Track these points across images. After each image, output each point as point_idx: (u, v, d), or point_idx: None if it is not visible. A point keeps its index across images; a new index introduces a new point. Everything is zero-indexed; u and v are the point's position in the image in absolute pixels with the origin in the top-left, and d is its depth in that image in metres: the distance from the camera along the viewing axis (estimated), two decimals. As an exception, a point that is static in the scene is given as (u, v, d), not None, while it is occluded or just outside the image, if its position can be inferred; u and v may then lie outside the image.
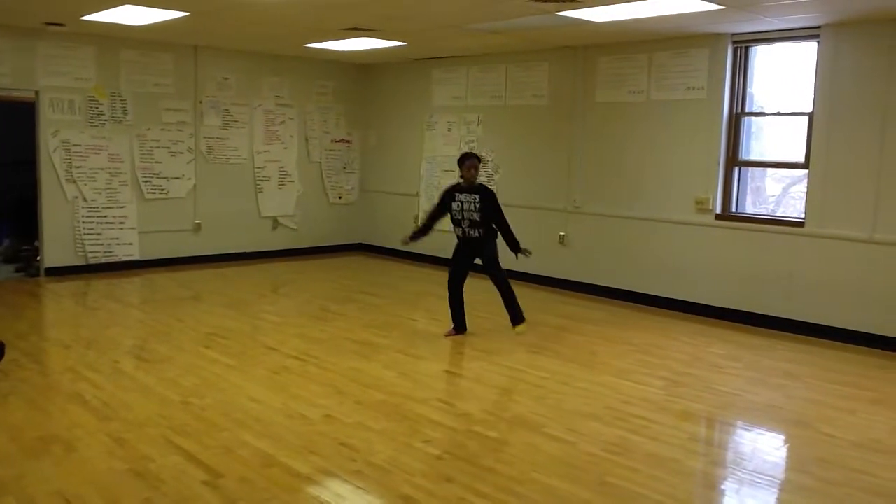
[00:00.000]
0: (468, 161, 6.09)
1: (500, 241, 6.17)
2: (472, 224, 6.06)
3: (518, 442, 4.11)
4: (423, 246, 9.95)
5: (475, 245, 6.13)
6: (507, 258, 6.20)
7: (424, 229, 6.37)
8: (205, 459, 3.75)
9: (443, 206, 6.23)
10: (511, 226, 6.12)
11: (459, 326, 6.31)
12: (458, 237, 6.23)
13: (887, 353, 6.06)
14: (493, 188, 8.89)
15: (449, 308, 6.31)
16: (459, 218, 6.10)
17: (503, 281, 6.12)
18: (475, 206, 6.01)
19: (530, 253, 6.11)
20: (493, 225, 6.10)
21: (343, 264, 9.96)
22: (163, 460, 3.73)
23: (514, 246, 6.09)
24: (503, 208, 6.14)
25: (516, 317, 6.19)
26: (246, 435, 4.08)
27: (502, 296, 6.16)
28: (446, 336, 6.25)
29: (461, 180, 6.11)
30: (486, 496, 3.42)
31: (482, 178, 9.10)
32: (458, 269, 6.24)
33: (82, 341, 5.96)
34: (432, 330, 6.48)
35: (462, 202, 6.07)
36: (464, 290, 6.26)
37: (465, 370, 5.44)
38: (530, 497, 3.44)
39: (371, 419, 4.37)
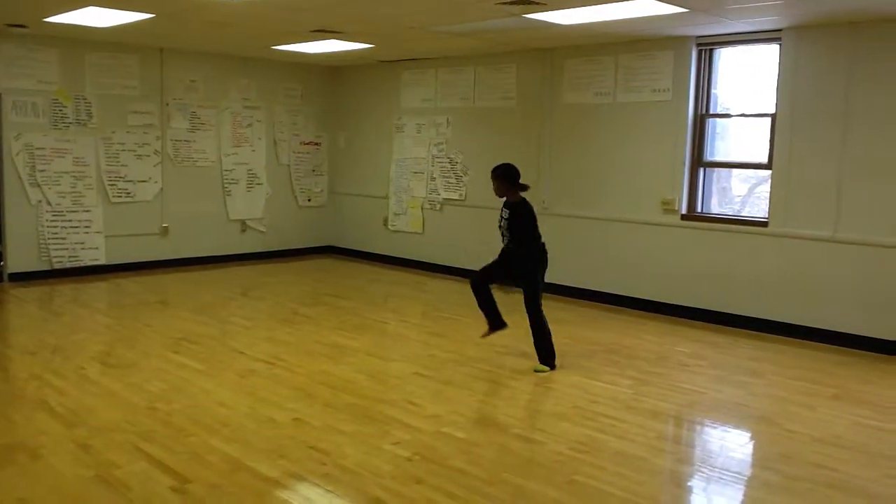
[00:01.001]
0: (492, 176, 5.62)
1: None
2: (504, 238, 5.63)
3: (487, 443, 4.14)
4: (390, 248, 10.03)
5: (513, 258, 5.59)
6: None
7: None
8: (172, 465, 3.72)
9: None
10: (531, 243, 5.52)
11: (493, 324, 5.69)
12: None
13: (847, 349, 6.18)
14: (463, 189, 9.05)
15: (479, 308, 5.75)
16: (500, 231, 5.70)
17: (535, 314, 5.54)
18: (505, 222, 5.58)
19: (512, 291, 5.72)
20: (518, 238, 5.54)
21: (312, 267, 9.93)
22: (130, 467, 3.70)
23: (519, 264, 5.54)
24: (534, 222, 5.55)
25: (542, 357, 5.59)
26: (214, 440, 4.06)
27: (532, 330, 5.60)
28: (482, 337, 5.82)
29: None
30: (455, 497, 3.44)
31: (451, 181, 9.21)
32: (487, 266, 5.70)
33: (47, 347, 5.88)
34: (402, 332, 6.49)
35: (501, 216, 5.66)
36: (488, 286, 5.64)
37: (434, 372, 5.46)
38: (500, 497, 3.46)
39: (340, 422, 4.37)
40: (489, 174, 5.63)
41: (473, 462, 3.86)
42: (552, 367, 5.54)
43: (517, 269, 5.58)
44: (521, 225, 5.52)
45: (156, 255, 9.23)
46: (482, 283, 5.63)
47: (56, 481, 3.54)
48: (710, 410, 4.85)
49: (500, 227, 5.66)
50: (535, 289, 5.53)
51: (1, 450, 3.89)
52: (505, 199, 5.61)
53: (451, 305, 7.57)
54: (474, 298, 5.66)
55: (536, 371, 5.50)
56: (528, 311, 5.53)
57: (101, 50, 8.55)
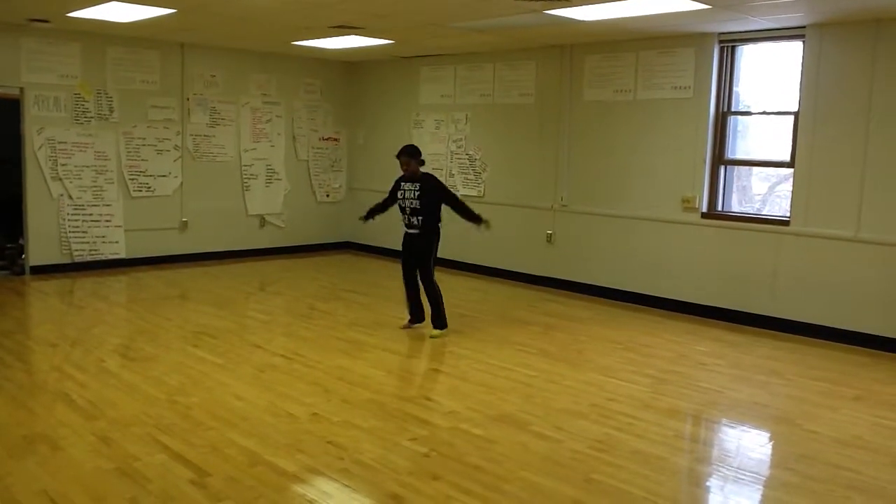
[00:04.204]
0: (400, 157, 6.22)
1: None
2: (413, 211, 6.18)
3: (505, 440, 4.13)
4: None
5: (414, 235, 6.25)
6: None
7: (376, 209, 6.63)
8: (191, 458, 3.74)
9: (391, 193, 6.42)
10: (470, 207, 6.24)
11: (414, 318, 6.47)
12: (404, 227, 6.35)
13: (869, 350, 6.12)
14: (481, 186, 9.03)
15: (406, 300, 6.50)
16: (403, 206, 6.26)
17: (428, 282, 6.21)
18: (415, 194, 6.13)
19: (489, 226, 6.25)
20: (451, 207, 6.17)
21: (330, 262, 9.95)
22: (149, 459, 3.72)
23: (475, 218, 6.19)
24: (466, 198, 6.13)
25: (435, 321, 6.25)
26: (233, 433, 4.08)
27: (426, 297, 6.26)
28: (402, 328, 6.43)
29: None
30: (472, 494, 3.44)
31: (470, 177, 9.19)
32: (405, 262, 6.40)
33: (68, 340, 5.93)
34: (419, 328, 6.48)
35: (405, 190, 6.22)
36: (417, 280, 6.37)
37: (451, 368, 5.46)
38: (517, 494, 3.45)
39: (358, 417, 4.37)
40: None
41: (491, 459, 3.85)
42: (444, 326, 6.19)
43: (420, 248, 6.19)
44: (441, 192, 6.17)
45: (175, 249, 9.29)
46: (409, 278, 6.36)
47: (76, 473, 3.56)
48: (729, 410, 4.81)
49: (403, 203, 6.21)
50: (431, 261, 6.19)
51: (22, 441, 3.93)
52: (405, 174, 6.21)
53: (467, 302, 7.56)
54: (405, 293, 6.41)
55: (432, 337, 6.12)
56: (424, 284, 6.19)
57: (123, 45, 8.61)
